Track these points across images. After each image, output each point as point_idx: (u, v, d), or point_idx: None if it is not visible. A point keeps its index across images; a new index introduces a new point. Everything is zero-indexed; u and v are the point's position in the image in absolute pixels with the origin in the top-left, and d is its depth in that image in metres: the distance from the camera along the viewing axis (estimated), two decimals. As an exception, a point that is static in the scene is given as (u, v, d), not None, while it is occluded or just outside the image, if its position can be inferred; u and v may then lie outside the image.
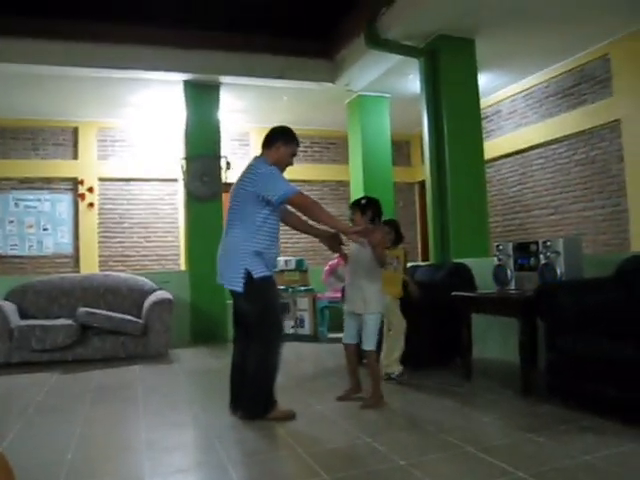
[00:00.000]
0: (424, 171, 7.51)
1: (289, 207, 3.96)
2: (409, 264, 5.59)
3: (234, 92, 8.72)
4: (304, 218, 4.10)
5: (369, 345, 4.20)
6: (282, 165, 3.90)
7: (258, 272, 3.74)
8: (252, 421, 3.84)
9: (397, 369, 4.97)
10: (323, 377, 5.42)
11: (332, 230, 4.09)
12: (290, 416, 3.86)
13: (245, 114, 9.84)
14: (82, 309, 6.79)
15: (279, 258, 8.84)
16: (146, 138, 10.17)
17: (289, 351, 6.98)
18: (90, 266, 9.61)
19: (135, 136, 10.14)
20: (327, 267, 8.24)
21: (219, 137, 8.39)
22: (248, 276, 3.73)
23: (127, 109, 9.36)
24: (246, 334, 3.87)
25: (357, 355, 4.38)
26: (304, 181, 10.86)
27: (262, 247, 3.78)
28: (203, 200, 8.07)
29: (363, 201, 4.28)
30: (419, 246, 11.68)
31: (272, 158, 3.88)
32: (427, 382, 4.89)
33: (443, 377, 5.06)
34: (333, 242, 4.19)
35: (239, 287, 3.77)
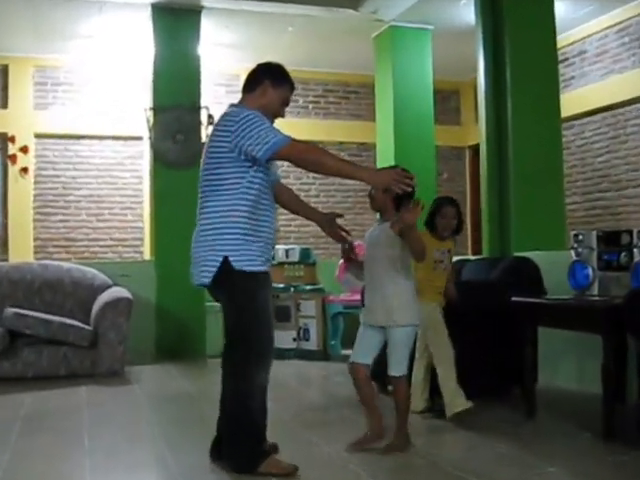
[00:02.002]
0: (478, 132, 7.47)
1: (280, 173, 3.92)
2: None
3: (220, 20, 8.69)
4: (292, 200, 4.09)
5: (397, 369, 4.16)
6: (269, 115, 3.84)
7: (245, 263, 3.64)
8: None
9: (462, 402, 4.79)
10: (333, 409, 5.42)
11: (325, 213, 4.11)
12: (290, 473, 3.71)
13: (235, 50, 9.82)
14: (9, 310, 6.83)
15: (278, 247, 8.91)
16: (100, 81, 10.17)
17: (288, 372, 7.01)
18: (22, 252, 9.65)
19: (85, 78, 10.14)
20: (343, 260, 8.22)
21: (199, 81, 8.38)
22: (225, 265, 3.64)
23: (75, 42, 9.35)
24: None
25: (371, 382, 4.35)
26: (312, 142, 10.83)
27: (251, 226, 3.69)
28: (176, 166, 8.07)
29: None
30: (468, 233, 11.64)
31: (255, 105, 3.81)
32: (474, 419, 4.87)
33: (496, 412, 5.06)
34: (331, 226, 4.16)
35: (206, 279, 3.70)
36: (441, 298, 5.02)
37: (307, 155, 3.66)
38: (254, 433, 3.71)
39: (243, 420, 3.67)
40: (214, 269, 3.64)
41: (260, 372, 3.70)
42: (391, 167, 3.82)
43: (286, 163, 3.89)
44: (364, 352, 4.28)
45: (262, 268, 3.71)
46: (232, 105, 3.85)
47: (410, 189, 3.78)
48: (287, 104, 3.95)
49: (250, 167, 3.64)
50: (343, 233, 4.18)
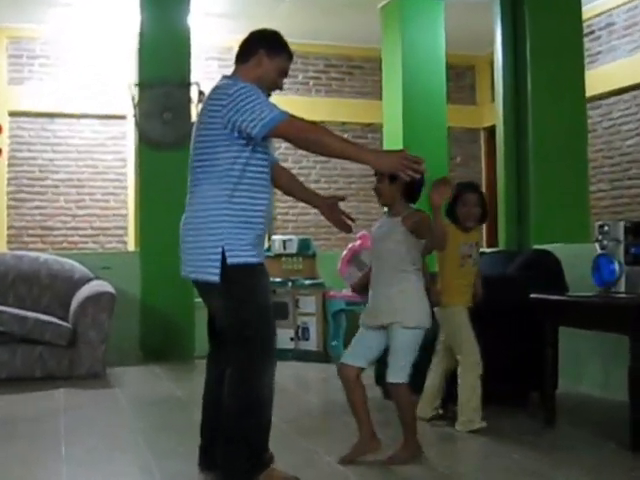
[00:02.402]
0: (494, 112, 7.46)
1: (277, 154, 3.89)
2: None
3: (212, -13, 8.67)
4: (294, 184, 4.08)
5: (397, 375, 4.13)
6: (265, 88, 3.82)
7: (239, 254, 3.62)
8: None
9: (478, 422, 4.78)
10: (334, 415, 5.43)
11: (327, 197, 4.08)
12: None
13: (227, 20, 9.79)
14: (-19, 305, 6.82)
15: (275, 237, 8.91)
16: (81, 54, 10.16)
17: (286, 376, 7.00)
18: (-6, 242, 9.66)
19: (64, 51, 10.14)
20: (346, 251, 8.23)
21: (188, 54, 8.35)
22: (223, 257, 3.63)
23: (53, 10, 9.34)
24: (225, 352, 3.81)
25: (362, 386, 4.32)
26: (313, 122, 10.80)
27: (247, 212, 3.67)
28: (163, 147, 8.04)
29: None
30: (483, 224, 11.63)
31: (250, 76, 3.77)
32: (488, 427, 4.85)
33: (512, 420, 5.06)
34: (333, 212, 4.13)
35: (213, 276, 3.68)
36: (469, 298, 4.94)
37: (307, 134, 3.61)
38: (259, 442, 3.70)
39: (247, 425, 3.65)
40: (217, 263, 3.59)
41: (268, 372, 3.70)
42: (398, 150, 3.73)
43: (284, 144, 3.88)
44: (358, 353, 4.26)
45: (260, 259, 3.69)
46: (225, 77, 3.80)
47: (419, 175, 3.70)
48: (285, 75, 3.91)
49: (245, 146, 3.59)
50: (347, 220, 4.14)
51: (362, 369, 4.27)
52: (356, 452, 4.21)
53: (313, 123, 3.67)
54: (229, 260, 3.57)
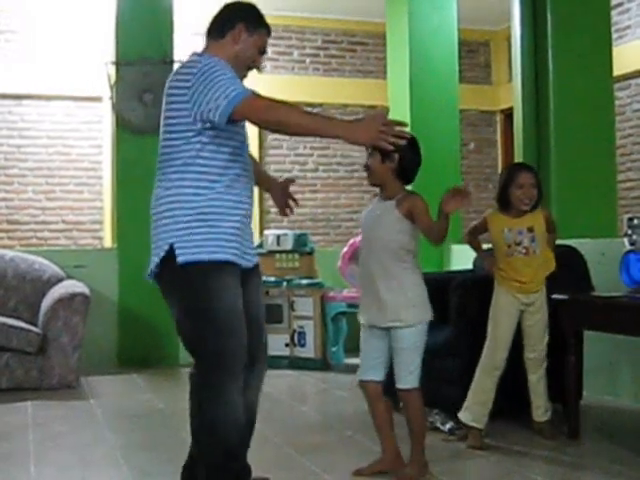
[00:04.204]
0: (512, 93, 7.45)
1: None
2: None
3: (198, -46, 8.67)
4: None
5: (408, 380, 4.14)
6: (241, 66, 3.78)
7: (191, 251, 3.49)
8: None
9: (550, 412, 5.04)
10: (335, 429, 5.43)
11: (280, 181, 4.09)
12: None
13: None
14: (-60, 308, 6.82)
15: (268, 232, 8.90)
16: (50, 28, 10.14)
17: (280, 385, 7.01)
18: (-45, 238, 9.67)
19: (31, 25, 10.10)
20: (346, 248, 8.24)
21: (171, 29, 8.34)
22: (168, 256, 3.52)
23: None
24: None
25: (384, 400, 4.34)
26: (309, 104, 10.81)
27: (209, 205, 3.59)
28: (143, 132, 8.04)
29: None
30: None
31: (227, 54, 3.72)
32: (506, 441, 4.89)
33: (532, 434, 5.05)
34: (280, 191, 4.12)
35: (149, 272, 3.65)
36: (536, 285, 4.96)
37: (267, 114, 3.48)
38: (228, 470, 3.60)
39: (210, 453, 3.59)
40: (156, 258, 3.55)
41: (227, 391, 3.55)
42: (375, 117, 3.53)
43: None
44: (372, 366, 4.27)
45: (213, 256, 3.55)
46: (194, 54, 3.75)
47: (403, 142, 3.59)
48: (265, 52, 3.89)
49: (210, 132, 3.53)
50: (291, 202, 4.11)
51: (381, 382, 4.27)
52: (376, 467, 4.27)
53: (276, 100, 3.52)
54: (178, 257, 3.50)
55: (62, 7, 10.04)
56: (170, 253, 3.51)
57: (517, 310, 4.93)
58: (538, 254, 4.93)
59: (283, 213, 4.17)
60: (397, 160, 4.12)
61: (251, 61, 3.80)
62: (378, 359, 4.25)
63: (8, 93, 9.99)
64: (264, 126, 3.68)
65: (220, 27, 3.77)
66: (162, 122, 3.68)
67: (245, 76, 3.78)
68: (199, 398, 3.56)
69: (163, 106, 3.70)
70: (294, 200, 4.12)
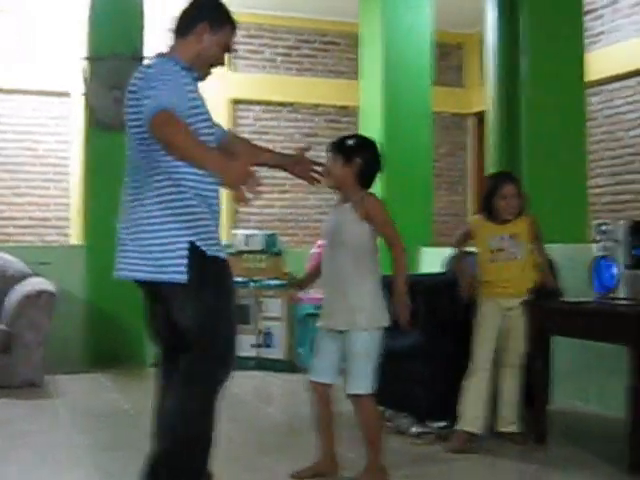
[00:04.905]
0: (484, 97, 7.48)
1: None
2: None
3: (170, -51, 8.64)
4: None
5: (359, 385, 4.14)
6: (204, 64, 3.78)
7: (210, 248, 3.55)
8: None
9: (514, 425, 5.03)
10: (299, 431, 5.43)
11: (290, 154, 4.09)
12: None
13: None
14: None
15: (236, 232, 8.90)
16: (19, 22, 10.08)
17: (246, 386, 7.01)
18: None
19: (0, 17, 10.03)
20: (315, 248, 8.24)
21: (141, 25, 8.31)
22: (195, 255, 3.53)
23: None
24: (175, 361, 3.77)
25: (330, 404, 4.34)
26: (280, 104, 10.83)
27: (201, 204, 3.58)
28: (114, 128, 7.99)
29: (350, 141, 4.27)
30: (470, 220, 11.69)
31: (190, 53, 3.72)
32: (474, 445, 4.90)
33: (498, 438, 5.08)
34: (303, 167, 4.10)
35: (180, 275, 3.63)
36: (520, 288, 5.05)
37: (158, 130, 3.36)
38: (201, 458, 3.64)
39: (189, 440, 3.59)
40: (184, 260, 3.52)
41: (223, 381, 3.67)
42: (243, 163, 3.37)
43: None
44: (323, 368, 4.30)
45: (222, 254, 3.64)
46: (158, 55, 3.75)
47: (249, 199, 3.37)
48: (229, 49, 3.87)
49: None
50: (318, 168, 4.12)
51: (330, 385, 4.30)
52: (311, 471, 4.30)
53: (173, 122, 3.38)
54: (207, 252, 3.55)
55: (32, 2, 9.97)
56: (191, 249, 3.52)
57: (499, 314, 5.01)
58: (520, 259, 5.05)
59: (312, 182, 4.15)
60: (359, 165, 4.15)
61: (214, 59, 3.77)
62: (330, 361, 4.27)
63: (-26, 86, 9.94)
64: (158, 140, 3.42)
65: (184, 25, 3.76)
66: (128, 127, 3.66)
67: (209, 73, 3.78)
68: (196, 387, 3.58)
69: (125, 107, 3.68)
70: (319, 164, 4.12)
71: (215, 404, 3.63)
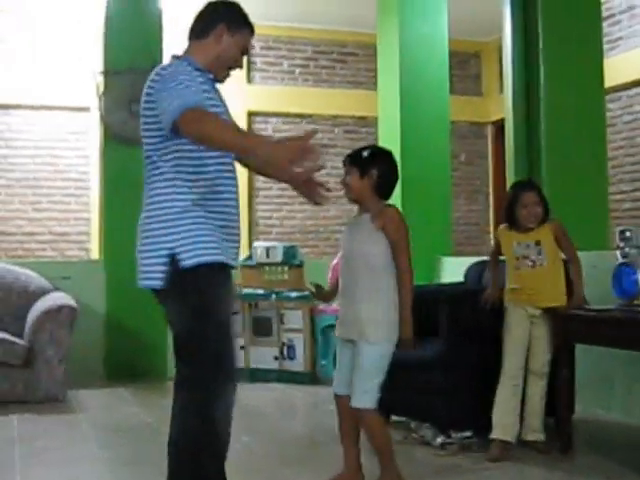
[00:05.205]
0: (503, 105, 7.47)
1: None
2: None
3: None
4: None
5: (362, 399, 4.11)
6: (223, 66, 3.78)
7: (194, 254, 3.48)
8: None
9: (540, 433, 5.04)
10: (323, 443, 5.42)
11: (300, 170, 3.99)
12: None
13: None
14: None
15: (257, 244, 8.90)
16: (38, 38, 10.13)
17: (268, 399, 7.01)
18: (-60, 249, 9.64)
19: (19, 34, 10.10)
20: (336, 260, 8.22)
21: (160, 37, 8.33)
22: (172, 262, 3.50)
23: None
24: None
25: (353, 415, 4.32)
26: (299, 115, 10.84)
27: (200, 208, 3.53)
28: (131, 142, 8.02)
29: (365, 153, 4.26)
30: (491, 228, 11.66)
31: (208, 55, 3.72)
32: (510, 454, 4.88)
33: (523, 448, 5.05)
34: (307, 186, 3.95)
35: (156, 280, 3.62)
36: (543, 297, 5.07)
37: (192, 127, 3.36)
38: (214, 478, 3.62)
39: (193, 462, 3.55)
40: (161, 266, 3.51)
41: (230, 393, 3.61)
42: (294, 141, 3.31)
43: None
44: (343, 381, 4.28)
45: (216, 258, 3.54)
46: (173, 57, 3.74)
47: (317, 169, 3.50)
48: (247, 52, 3.87)
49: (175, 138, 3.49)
50: (321, 190, 3.95)
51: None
52: None
53: (207, 114, 3.43)
54: (182, 261, 3.48)
55: (50, 17, 10.03)
56: (171, 258, 3.49)
57: (527, 321, 5.05)
58: (545, 266, 5.08)
59: (316, 203, 4.05)
60: (375, 176, 4.15)
61: (233, 61, 3.75)
62: (349, 373, 4.24)
63: (-6, 102, 10.00)
64: (192, 139, 3.45)
65: (201, 27, 3.76)
66: (141, 130, 3.66)
67: (227, 75, 3.77)
68: (200, 400, 3.52)
69: (140, 114, 3.69)
70: (321, 185, 3.97)
71: (218, 414, 3.55)
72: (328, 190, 3.99)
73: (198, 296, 3.53)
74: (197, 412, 3.52)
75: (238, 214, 3.72)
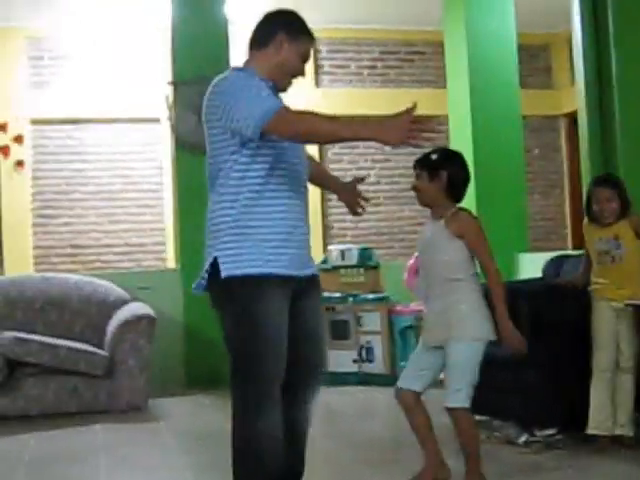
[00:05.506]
0: (575, 97, 7.38)
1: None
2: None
3: (251, -31, 8.71)
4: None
5: (455, 398, 4.10)
6: (285, 75, 3.79)
7: (235, 265, 3.50)
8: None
9: (628, 428, 5.01)
10: (405, 445, 5.38)
11: (344, 182, 3.99)
12: None
13: (271, 3, 9.82)
14: (8, 334, 6.90)
15: (332, 247, 8.91)
16: (107, 52, 10.27)
17: (347, 401, 7.01)
18: (19, 263, 9.79)
19: (89, 49, 10.24)
20: (412, 260, 8.21)
21: (227, 46, 8.38)
22: (214, 271, 3.55)
23: (75, 5, 9.43)
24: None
25: (422, 409, 4.31)
26: (369, 116, 10.78)
27: (250, 219, 3.54)
28: (202, 151, 8.08)
29: (434, 156, 4.25)
30: (568, 223, 11.52)
31: (269, 64, 3.73)
32: (584, 452, 4.84)
33: (613, 443, 4.97)
34: (346, 191, 4.02)
35: (199, 287, 3.65)
36: (625, 291, 5.03)
37: (296, 127, 3.46)
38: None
39: (245, 471, 3.58)
40: (204, 273, 3.59)
41: (266, 413, 3.55)
42: (399, 115, 3.36)
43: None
44: (413, 376, 4.28)
45: (259, 270, 3.52)
46: (234, 69, 3.79)
47: (426, 142, 3.50)
48: (308, 59, 3.87)
49: (244, 148, 3.51)
50: (361, 201, 4.00)
51: (419, 393, 4.27)
52: (423, 478, 4.26)
53: (302, 111, 3.53)
54: (223, 271, 3.51)
55: (118, 30, 10.14)
56: (215, 267, 3.54)
57: (614, 315, 5.02)
58: (624, 261, 5.05)
59: (354, 213, 4.06)
60: (445, 178, 4.13)
61: (295, 70, 3.76)
62: (423, 372, 4.25)
63: (67, 118, 10.10)
64: (296, 140, 3.57)
65: (261, 37, 3.78)
66: (206, 140, 3.70)
67: (290, 84, 3.77)
68: (236, 415, 3.59)
69: (204, 124, 3.72)
70: (364, 199, 4.01)
71: (252, 431, 3.55)
72: (367, 200, 4.02)
73: (234, 307, 3.56)
74: (236, 425, 3.59)
75: (299, 219, 3.67)
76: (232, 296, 3.54)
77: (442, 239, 4.14)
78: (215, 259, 3.54)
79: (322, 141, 3.56)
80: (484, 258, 4.15)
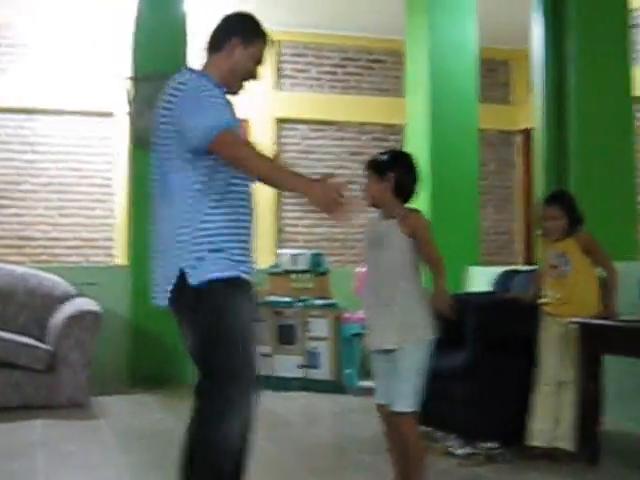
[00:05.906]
0: (532, 113, 7.45)
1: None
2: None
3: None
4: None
5: (403, 403, 4.10)
6: (237, 79, 3.81)
7: (203, 271, 3.53)
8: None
9: (569, 442, 5.03)
10: (349, 452, 5.42)
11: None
12: None
13: (231, 4, 9.82)
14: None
15: (283, 251, 8.92)
16: (64, 44, 10.21)
17: (293, 407, 7.01)
18: (-35, 254, 9.71)
19: (46, 40, 10.17)
20: (362, 268, 8.24)
21: (184, 43, 8.36)
22: (180, 281, 3.54)
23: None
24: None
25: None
26: (326, 122, 10.85)
27: (214, 225, 3.55)
28: (156, 149, 8.08)
29: (383, 157, 4.29)
30: (520, 238, 11.63)
31: (223, 68, 3.76)
32: (523, 466, 4.88)
33: (550, 462, 5.04)
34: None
35: (163, 300, 3.65)
36: (563, 312, 5.12)
37: (236, 152, 3.49)
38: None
39: (214, 471, 3.56)
40: (171, 285, 3.58)
41: (244, 403, 3.59)
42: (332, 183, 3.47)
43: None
44: (381, 391, 4.26)
45: (233, 273, 3.58)
46: (188, 70, 3.78)
47: (346, 220, 3.57)
48: (260, 63, 3.86)
49: (205, 155, 3.52)
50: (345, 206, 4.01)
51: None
52: None
53: (246, 142, 3.59)
54: (190, 280, 3.53)
55: (74, 22, 10.09)
56: (181, 276, 3.53)
57: (559, 330, 5.11)
58: (569, 277, 5.17)
59: (337, 219, 4.06)
60: (393, 179, 4.15)
61: (248, 73, 3.78)
62: (386, 382, 4.22)
63: (20, 107, 10.03)
64: (232, 163, 3.53)
65: (217, 41, 3.80)
66: (157, 142, 3.71)
67: (241, 87, 3.79)
68: (216, 411, 3.55)
69: (157, 125, 3.71)
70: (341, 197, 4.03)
71: (235, 424, 3.56)
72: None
73: (212, 311, 3.55)
74: (213, 422, 3.55)
75: (251, 227, 3.71)
76: (210, 300, 3.54)
77: (394, 237, 4.14)
78: (181, 270, 3.53)
79: (254, 174, 3.53)
80: (430, 248, 4.15)
